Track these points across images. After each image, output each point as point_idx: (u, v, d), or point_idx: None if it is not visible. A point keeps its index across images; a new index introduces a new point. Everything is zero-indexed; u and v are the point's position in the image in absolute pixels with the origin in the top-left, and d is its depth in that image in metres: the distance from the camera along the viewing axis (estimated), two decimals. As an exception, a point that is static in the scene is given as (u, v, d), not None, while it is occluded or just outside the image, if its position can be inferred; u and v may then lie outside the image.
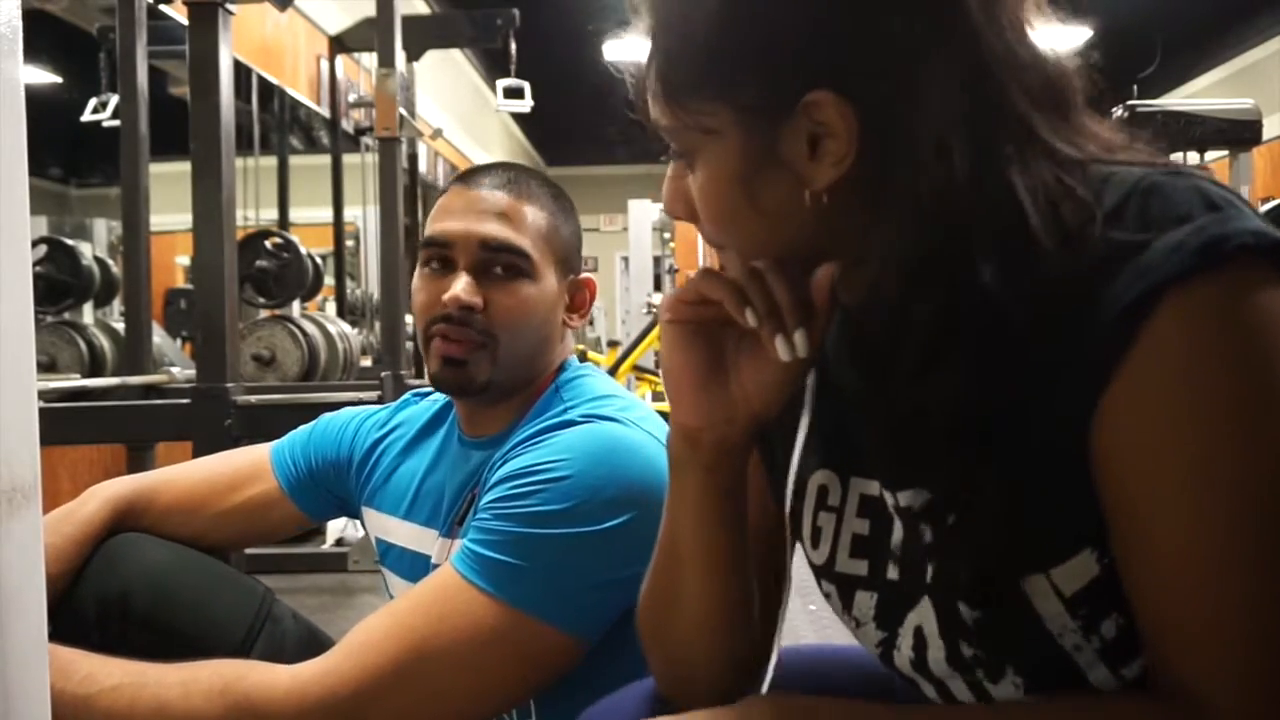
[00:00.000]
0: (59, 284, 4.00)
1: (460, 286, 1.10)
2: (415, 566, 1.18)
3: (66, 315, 4.06)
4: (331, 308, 6.40)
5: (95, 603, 1.12)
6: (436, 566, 1.14)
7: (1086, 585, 0.64)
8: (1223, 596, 0.57)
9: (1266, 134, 4.65)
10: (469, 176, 1.17)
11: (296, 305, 4.60)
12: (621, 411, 1.07)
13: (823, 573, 0.78)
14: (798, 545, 0.82)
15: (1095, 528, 0.62)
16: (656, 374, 6.48)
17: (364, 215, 6.60)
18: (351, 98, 6.12)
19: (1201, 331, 0.58)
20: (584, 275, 1.21)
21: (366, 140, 6.07)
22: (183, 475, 1.27)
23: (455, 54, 8.92)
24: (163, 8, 3.67)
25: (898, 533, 0.73)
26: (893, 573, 0.73)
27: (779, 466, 0.81)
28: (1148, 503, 0.59)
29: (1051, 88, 0.66)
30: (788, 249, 0.70)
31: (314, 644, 1.21)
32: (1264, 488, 0.57)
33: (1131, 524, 0.60)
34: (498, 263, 1.11)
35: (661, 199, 0.74)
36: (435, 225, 1.14)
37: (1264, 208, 4.02)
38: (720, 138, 0.67)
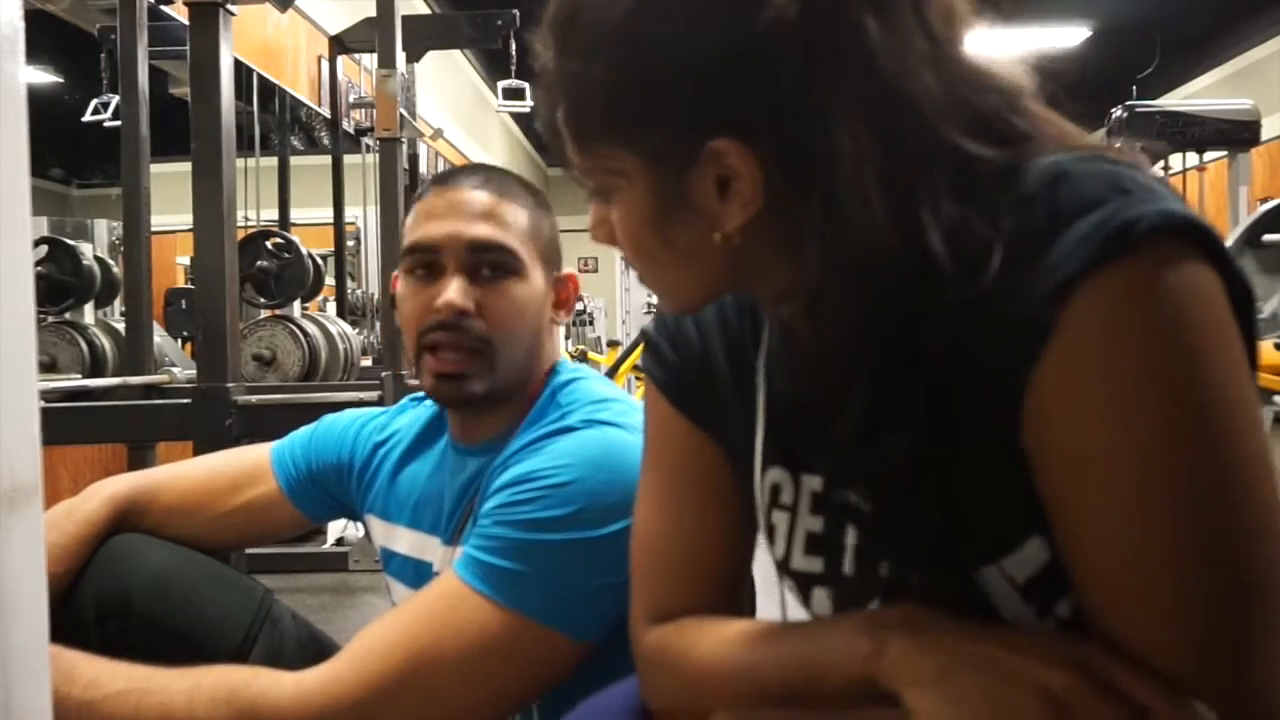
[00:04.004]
0: (60, 284, 4.00)
1: (453, 291, 1.09)
2: (419, 574, 1.18)
3: (67, 315, 4.06)
4: (332, 308, 6.39)
5: (95, 602, 1.12)
6: (438, 573, 1.14)
7: (1038, 571, 0.65)
8: (1157, 572, 0.58)
9: (1265, 134, 4.65)
10: (446, 178, 1.16)
11: (297, 305, 4.60)
12: (620, 416, 1.06)
13: (780, 570, 0.78)
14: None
15: (1041, 516, 0.63)
16: (657, 374, 6.47)
17: (364, 215, 6.60)
18: (352, 98, 6.12)
19: (1116, 318, 0.58)
20: (566, 272, 1.20)
21: (367, 140, 6.06)
22: (183, 475, 1.27)
23: (455, 54, 8.92)
24: (164, 8, 3.67)
25: (852, 530, 0.73)
26: (848, 569, 0.73)
27: (736, 466, 0.81)
28: (1074, 489, 0.60)
29: (992, 99, 0.65)
30: (705, 286, 0.71)
31: (313, 644, 1.21)
32: (1184, 463, 0.58)
33: (1063, 510, 0.61)
34: (486, 263, 1.10)
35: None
36: (418, 230, 1.13)
37: (1263, 207, 4.02)
38: (630, 180, 0.67)
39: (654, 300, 7.18)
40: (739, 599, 0.83)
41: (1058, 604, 0.66)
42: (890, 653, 0.62)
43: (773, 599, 0.80)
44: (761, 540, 0.83)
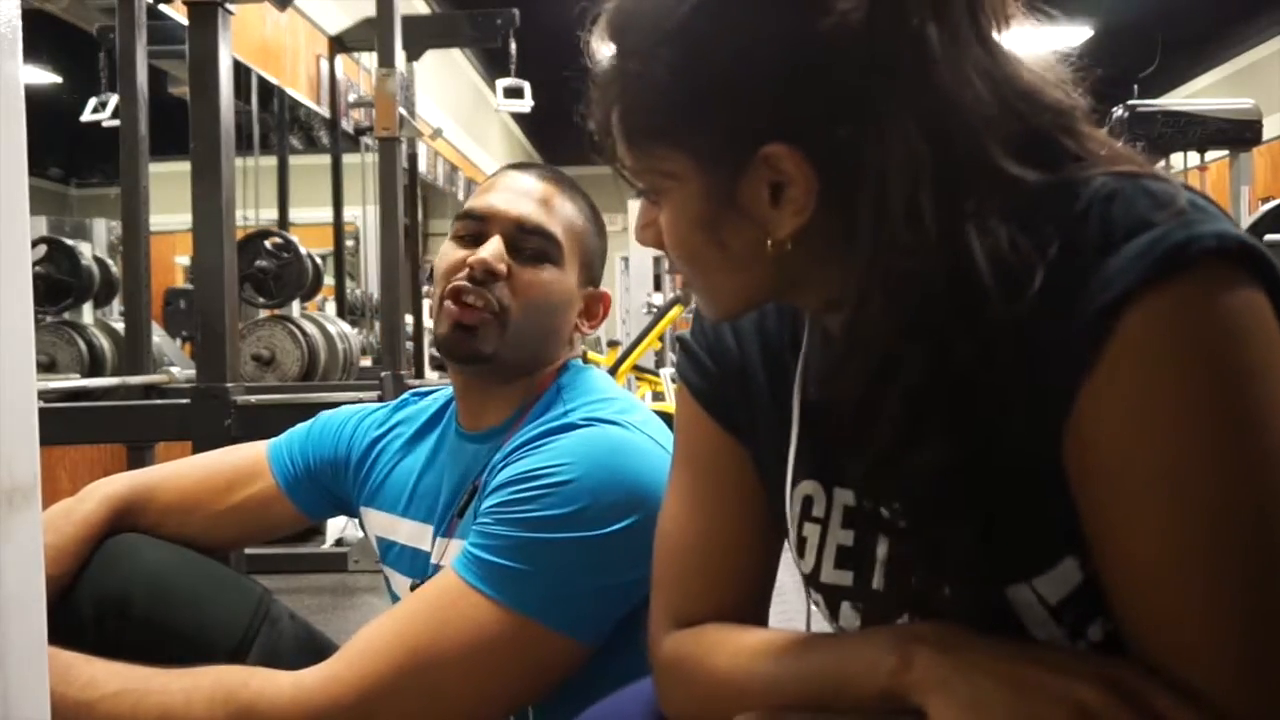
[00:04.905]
0: (59, 284, 4.00)
1: (490, 250, 1.12)
2: (415, 563, 1.18)
3: (66, 315, 4.06)
4: (331, 308, 6.40)
5: (93, 603, 1.12)
6: (436, 564, 1.14)
7: (1070, 593, 0.65)
8: (1198, 596, 0.58)
9: (1266, 134, 4.65)
10: (517, 165, 1.23)
11: (296, 305, 4.60)
12: (622, 414, 1.07)
13: (809, 582, 0.78)
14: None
15: (1076, 537, 0.62)
16: (656, 374, 6.48)
17: (364, 215, 6.60)
18: (351, 98, 6.11)
19: (1168, 339, 0.57)
20: (602, 290, 1.23)
21: (366, 140, 6.06)
22: (181, 474, 1.27)
23: (455, 54, 8.91)
24: (162, 8, 3.66)
25: (883, 544, 0.72)
26: (877, 583, 0.73)
27: (767, 477, 0.81)
28: (1119, 508, 0.59)
29: (1046, 118, 0.65)
30: (751, 292, 0.71)
31: (311, 644, 1.21)
32: (1230, 488, 0.57)
33: (1105, 530, 0.61)
34: (529, 245, 1.14)
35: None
36: (476, 200, 1.18)
37: (1265, 207, 4.02)
38: (682, 182, 0.67)
39: (654, 300, 7.14)
40: (764, 609, 0.82)
41: (1090, 627, 0.65)
42: (917, 668, 0.61)
43: (781, 610, 0.80)
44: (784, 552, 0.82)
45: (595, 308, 1.22)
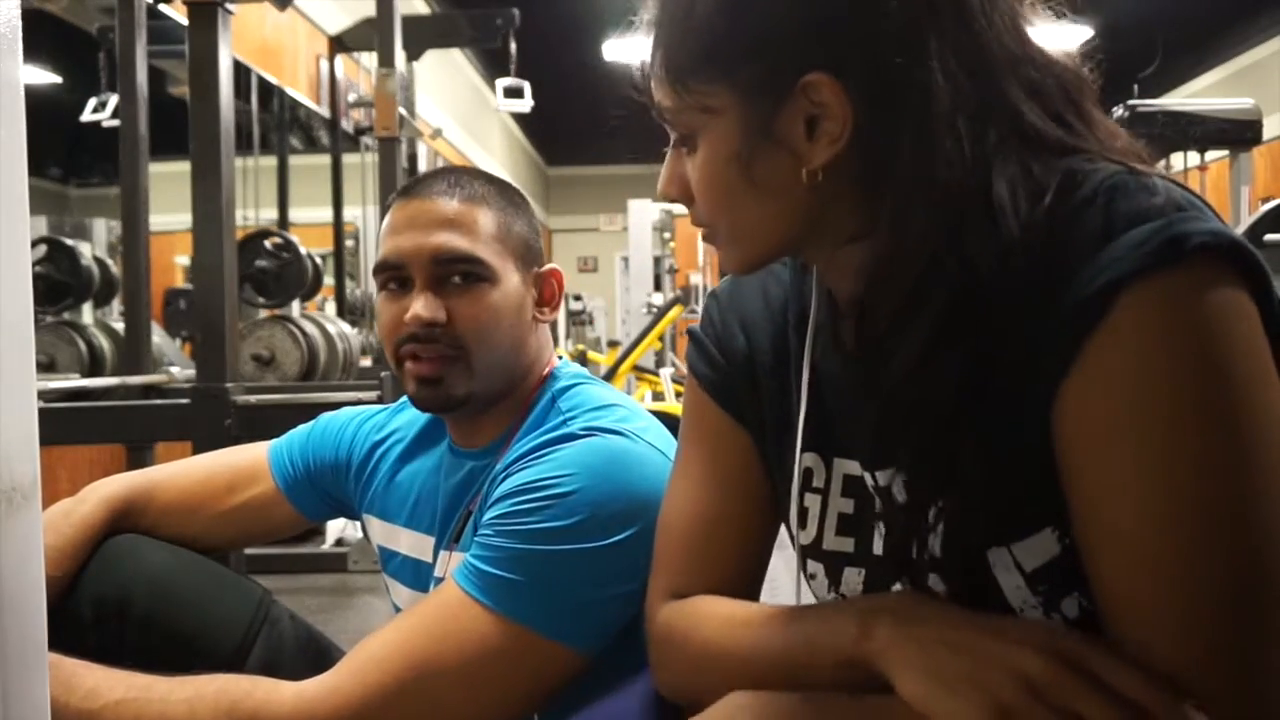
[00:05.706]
0: (58, 284, 4.00)
1: (420, 305, 1.07)
2: (419, 574, 1.18)
3: (66, 315, 4.07)
4: (331, 308, 6.40)
5: (93, 605, 1.12)
6: (439, 577, 1.14)
7: (1047, 563, 0.67)
8: (1174, 573, 0.60)
9: (1266, 134, 4.65)
10: (409, 190, 1.14)
11: (296, 305, 4.60)
12: (622, 422, 1.05)
13: (810, 552, 0.81)
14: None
15: (1057, 508, 0.65)
16: (656, 374, 6.48)
17: (364, 215, 6.60)
18: (351, 98, 6.12)
19: (1157, 324, 0.60)
20: (549, 266, 1.18)
21: (366, 140, 6.06)
22: (180, 475, 1.27)
23: (455, 54, 8.92)
24: (162, 7, 3.67)
25: (880, 510, 0.75)
26: (878, 548, 0.76)
27: (769, 456, 0.84)
28: (1101, 485, 0.62)
29: (1051, 83, 0.69)
30: (778, 230, 0.72)
31: (311, 645, 1.21)
32: (1209, 471, 0.59)
33: (1086, 505, 0.63)
34: (454, 273, 1.09)
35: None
36: (385, 246, 1.12)
37: (1265, 207, 4.01)
38: (721, 117, 0.70)
39: (654, 300, 7.11)
40: (756, 587, 0.85)
41: (1064, 600, 0.68)
42: (878, 637, 0.65)
43: (773, 598, 0.81)
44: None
45: (548, 290, 1.17)
